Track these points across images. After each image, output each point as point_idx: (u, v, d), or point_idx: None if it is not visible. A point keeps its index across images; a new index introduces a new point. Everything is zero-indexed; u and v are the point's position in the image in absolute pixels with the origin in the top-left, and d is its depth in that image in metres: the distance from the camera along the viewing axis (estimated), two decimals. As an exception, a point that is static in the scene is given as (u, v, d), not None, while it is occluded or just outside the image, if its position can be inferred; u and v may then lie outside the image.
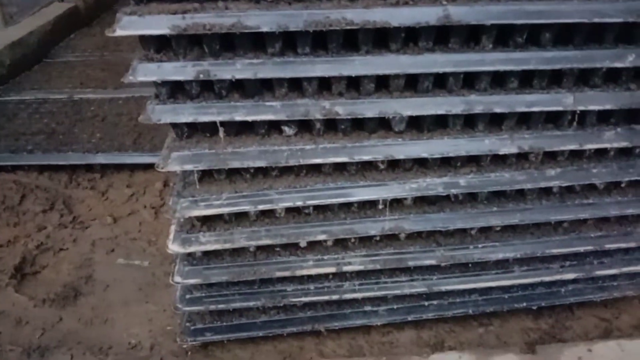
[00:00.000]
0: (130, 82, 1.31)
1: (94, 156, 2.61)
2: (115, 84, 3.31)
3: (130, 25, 1.24)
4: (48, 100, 3.15)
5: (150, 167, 2.68)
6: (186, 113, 1.36)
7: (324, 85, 1.38)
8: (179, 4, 1.26)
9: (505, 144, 1.45)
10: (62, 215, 2.40)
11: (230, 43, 1.31)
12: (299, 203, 1.46)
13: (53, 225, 2.34)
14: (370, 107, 1.38)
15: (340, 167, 1.49)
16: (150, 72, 1.30)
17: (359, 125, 1.45)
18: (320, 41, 1.31)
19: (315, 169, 1.49)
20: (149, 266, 2.09)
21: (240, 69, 1.31)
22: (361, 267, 1.58)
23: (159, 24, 1.24)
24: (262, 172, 1.49)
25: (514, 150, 1.46)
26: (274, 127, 1.44)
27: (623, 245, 1.68)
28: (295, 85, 1.38)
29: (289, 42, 1.32)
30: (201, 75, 1.30)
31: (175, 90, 1.37)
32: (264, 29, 1.24)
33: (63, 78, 3.43)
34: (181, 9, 1.24)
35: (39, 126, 2.87)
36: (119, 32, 1.25)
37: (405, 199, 1.52)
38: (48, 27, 3.90)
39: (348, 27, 1.24)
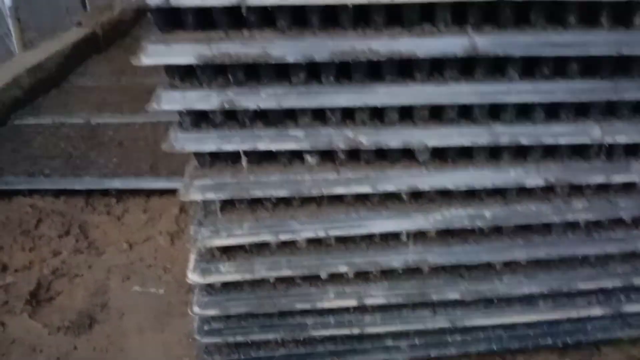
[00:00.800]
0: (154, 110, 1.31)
1: (111, 181, 2.61)
2: (132, 109, 3.33)
3: (155, 54, 1.24)
4: (65, 125, 3.17)
5: (166, 192, 2.68)
6: (210, 142, 1.36)
7: (347, 114, 1.37)
8: (204, 33, 1.26)
9: (531, 176, 1.43)
10: (77, 240, 2.39)
11: (254, 71, 1.30)
12: (321, 234, 1.44)
13: (68, 250, 2.33)
14: (394, 137, 1.36)
15: (362, 197, 1.47)
16: (174, 100, 1.30)
17: (381, 155, 1.43)
18: (345, 70, 1.31)
19: (337, 198, 1.47)
20: (165, 294, 2.07)
21: (265, 98, 1.30)
22: (383, 301, 1.54)
23: (185, 53, 1.24)
24: (284, 201, 1.47)
25: (540, 182, 1.43)
26: (296, 155, 1.43)
27: (652, 280, 1.64)
28: (319, 114, 1.37)
29: (313, 70, 1.31)
30: (226, 105, 1.30)
31: (199, 119, 1.37)
32: (290, 60, 1.24)
33: (80, 103, 3.46)
34: (207, 37, 1.24)
35: (56, 150, 2.89)
36: (145, 61, 1.25)
37: (429, 230, 1.50)
38: (66, 52, 3.96)
39: (374, 58, 1.24)
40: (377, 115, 1.37)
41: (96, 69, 4.09)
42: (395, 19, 1.27)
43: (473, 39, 1.23)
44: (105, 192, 2.65)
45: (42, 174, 2.65)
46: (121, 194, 2.66)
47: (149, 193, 2.66)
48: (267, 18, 1.26)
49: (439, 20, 1.25)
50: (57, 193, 2.64)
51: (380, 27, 1.26)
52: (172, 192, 2.70)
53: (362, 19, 1.27)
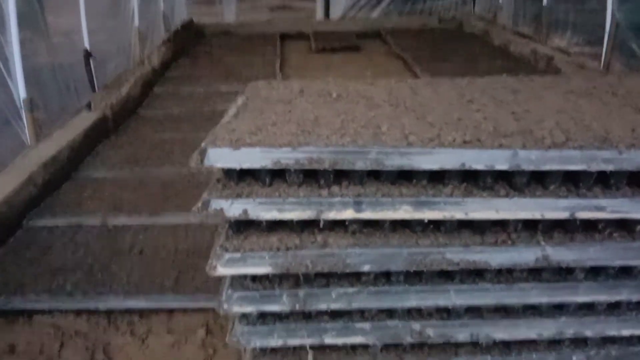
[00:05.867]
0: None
1: (136, 301, 2.56)
2: (149, 210, 3.30)
3: (232, 264, 1.24)
4: (82, 227, 3.11)
5: (189, 309, 2.63)
6: (275, 336, 1.35)
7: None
8: (277, 237, 1.27)
9: (592, 361, 1.44)
10: (102, 368, 2.33)
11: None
12: None
13: (94, 381, 2.26)
14: (461, 330, 1.37)
15: (425, 383, 1.47)
16: (246, 303, 1.29)
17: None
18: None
19: (400, 385, 1.46)
20: None
21: (335, 298, 1.31)
22: None
23: (262, 263, 1.24)
24: (344, 387, 1.46)
25: (601, 367, 1.44)
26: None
27: None
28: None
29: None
30: (297, 306, 1.30)
31: (265, 312, 1.36)
32: (365, 269, 1.25)
33: (95, 200, 3.41)
34: (282, 244, 1.25)
35: (75, 260, 2.83)
36: (221, 271, 1.25)
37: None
38: (78, 140, 3.93)
39: (448, 268, 1.26)
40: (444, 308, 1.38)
41: (107, 156, 4.05)
42: (466, 224, 1.29)
43: (545, 250, 1.26)
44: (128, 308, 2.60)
45: (64, 292, 2.58)
46: (144, 309, 2.61)
47: (173, 309, 2.62)
48: (338, 223, 1.28)
49: (511, 227, 1.28)
50: (79, 310, 2.58)
51: (452, 231, 1.28)
52: (196, 309, 2.67)
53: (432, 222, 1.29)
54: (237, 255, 1.24)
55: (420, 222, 1.26)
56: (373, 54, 7.52)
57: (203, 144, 1.21)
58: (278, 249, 1.24)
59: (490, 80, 1.82)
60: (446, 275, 1.33)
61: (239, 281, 1.31)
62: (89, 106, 4.52)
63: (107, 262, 2.87)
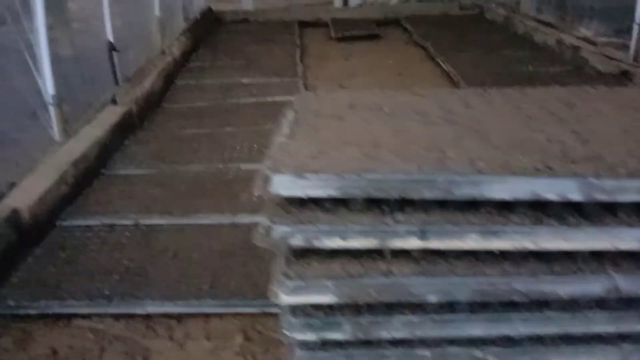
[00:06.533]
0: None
1: (174, 305, 2.57)
2: (180, 209, 3.30)
3: (296, 293, 1.23)
4: (115, 228, 3.12)
5: (225, 314, 2.64)
6: (337, 365, 1.34)
7: (474, 330, 1.36)
8: (339, 264, 1.25)
9: (654, 387, 1.42)
10: (144, 375, 2.34)
11: (385, 296, 1.29)
12: None
13: (137, 388, 2.28)
14: (523, 357, 1.36)
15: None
16: (309, 330, 1.28)
17: (503, 365, 1.42)
18: (478, 296, 1.30)
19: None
20: None
21: (398, 327, 1.29)
22: None
23: (325, 292, 1.23)
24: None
25: (664, 394, 1.42)
26: (417, 365, 1.41)
27: None
28: (445, 331, 1.36)
29: (444, 295, 1.30)
30: (360, 335, 1.28)
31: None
32: (431, 299, 1.23)
33: (125, 199, 3.42)
34: (346, 272, 1.23)
35: (111, 262, 2.84)
36: (285, 299, 1.23)
37: None
38: (106, 137, 3.94)
39: (516, 298, 1.23)
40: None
41: (134, 152, 4.05)
42: (532, 252, 1.27)
43: (615, 280, 1.23)
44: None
45: (103, 296, 2.60)
46: (182, 314, 2.62)
47: (210, 313, 2.62)
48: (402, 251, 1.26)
49: (579, 257, 1.25)
50: (117, 314, 2.60)
51: (519, 260, 1.25)
52: (232, 314, 2.67)
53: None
54: (301, 283, 1.22)
55: (486, 251, 1.24)
56: (393, 42, 7.43)
57: (266, 171, 1.19)
58: (342, 277, 1.22)
59: (542, 92, 1.77)
60: (511, 304, 1.30)
61: (300, 308, 1.30)
62: (114, 100, 4.51)
63: (143, 265, 2.88)
